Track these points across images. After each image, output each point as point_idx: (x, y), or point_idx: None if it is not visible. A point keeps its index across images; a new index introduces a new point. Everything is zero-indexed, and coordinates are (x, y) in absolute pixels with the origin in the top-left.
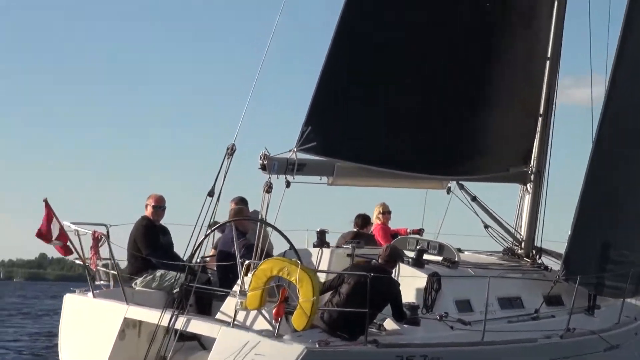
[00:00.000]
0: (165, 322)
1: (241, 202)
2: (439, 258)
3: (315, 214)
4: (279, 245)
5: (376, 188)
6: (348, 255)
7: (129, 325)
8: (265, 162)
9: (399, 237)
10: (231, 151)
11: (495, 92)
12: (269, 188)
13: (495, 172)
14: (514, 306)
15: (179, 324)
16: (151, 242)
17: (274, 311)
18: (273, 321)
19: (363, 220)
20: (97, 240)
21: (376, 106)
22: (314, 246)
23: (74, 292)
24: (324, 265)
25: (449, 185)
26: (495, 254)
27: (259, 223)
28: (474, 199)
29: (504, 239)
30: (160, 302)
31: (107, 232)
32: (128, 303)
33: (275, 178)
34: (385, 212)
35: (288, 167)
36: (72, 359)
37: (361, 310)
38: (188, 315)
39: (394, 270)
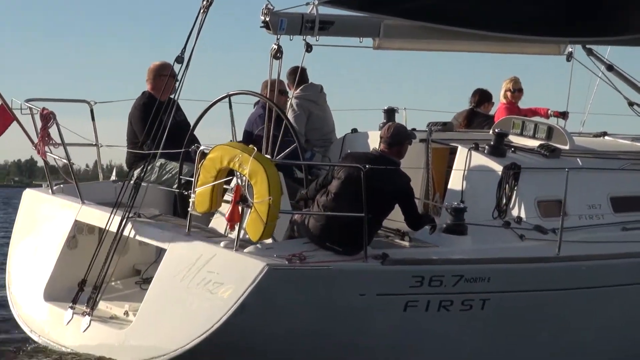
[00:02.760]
0: (114, 227)
1: (296, 74)
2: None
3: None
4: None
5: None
6: (421, 141)
7: (82, 230)
8: (267, 19)
9: (505, 117)
10: (207, 3)
11: None
12: (276, 52)
13: None
14: (637, 207)
15: (129, 229)
16: (151, 123)
17: (226, 215)
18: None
19: (480, 96)
20: (46, 120)
21: None
22: (379, 129)
23: (40, 186)
24: None
25: (568, 49)
26: None
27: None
28: (609, 68)
29: None
30: (158, 200)
31: (91, 110)
32: (83, 202)
33: (289, 39)
34: (516, 90)
35: (305, 25)
36: (16, 265)
37: (355, 214)
38: (143, 218)
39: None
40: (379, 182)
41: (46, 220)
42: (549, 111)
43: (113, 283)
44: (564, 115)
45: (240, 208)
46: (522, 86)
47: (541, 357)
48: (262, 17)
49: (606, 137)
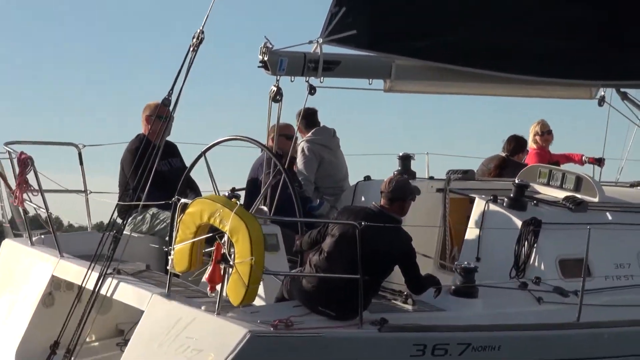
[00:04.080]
0: (91, 284)
1: (307, 117)
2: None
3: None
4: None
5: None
6: (438, 190)
7: (59, 286)
8: (265, 58)
9: (531, 165)
10: (198, 41)
11: None
12: (275, 95)
13: None
14: None
15: (107, 287)
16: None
17: (205, 277)
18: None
19: (516, 144)
20: (23, 165)
21: None
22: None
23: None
24: None
25: (601, 93)
26: None
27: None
28: None
29: None
30: (149, 253)
31: (79, 153)
32: (62, 255)
33: (290, 81)
34: (545, 133)
35: (308, 66)
36: None
37: (349, 276)
38: (123, 274)
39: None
40: (376, 241)
41: (23, 274)
42: (584, 157)
43: (93, 344)
44: (599, 162)
45: (221, 268)
46: (550, 128)
47: None
48: (260, 57)
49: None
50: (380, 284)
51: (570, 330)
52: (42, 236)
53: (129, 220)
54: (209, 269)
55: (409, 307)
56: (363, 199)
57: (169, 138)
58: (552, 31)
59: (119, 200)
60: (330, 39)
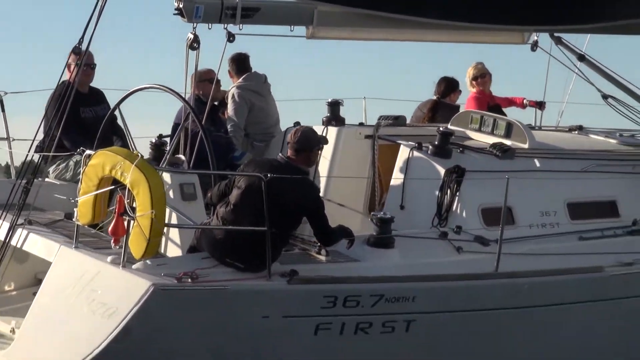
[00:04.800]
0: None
1: (237, 62)
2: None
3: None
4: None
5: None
6: (367, 137)
7: None
8: (181, 6)
9: (463, 111)
10: None
11: None
12: (192, 43)
13: (621, 17)
14: (599, 214)
15: (17, 237)
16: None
17: (109, 229)
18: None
19: (446, 86)
20: None
21: None
22: (323, 124)
23: None
24: (327, 152)
25: (534, 37)
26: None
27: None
28: (581, 58)
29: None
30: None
31: (0, 100)
32: None
33: (207, 28)
34: (480, 76)
35: (225, 13)
36: None
37: (256, 228)
38: (35, 225)
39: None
40: (283, 193)
41: None
42: (525, 100)
43: (10, 293)
44: (540, 105)
45: (125, 220)
46: (487, 71)
47: None
48: (176, 4)
49: (578, 132)
50: (288, 235)
51: (487, 281)
52: None
53: (53, 167)
54: (112, 222)
55: (322, 258)
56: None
57: (95, 85)
58: None
59: (36, 149)
60: None
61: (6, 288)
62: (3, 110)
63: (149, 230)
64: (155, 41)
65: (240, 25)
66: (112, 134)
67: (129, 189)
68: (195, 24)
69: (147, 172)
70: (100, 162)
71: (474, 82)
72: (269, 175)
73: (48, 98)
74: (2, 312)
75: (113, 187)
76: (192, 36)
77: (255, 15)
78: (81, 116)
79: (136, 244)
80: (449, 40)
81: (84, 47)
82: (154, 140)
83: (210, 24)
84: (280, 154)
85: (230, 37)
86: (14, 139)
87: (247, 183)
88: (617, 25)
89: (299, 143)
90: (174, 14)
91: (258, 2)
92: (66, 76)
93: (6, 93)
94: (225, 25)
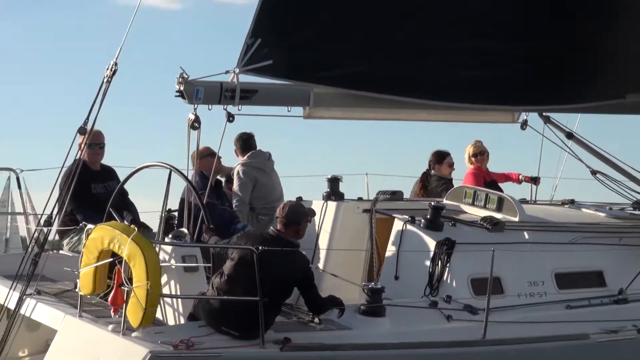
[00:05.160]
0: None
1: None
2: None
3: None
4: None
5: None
6: (365, 211)
7: None
8: (182, 88)
9: (457, 187)
10: (112, 73)
11: None
12: (193, 123)
13: (606, 99)
14: (585, 284)
15: (26, 307)
16: (78, 191)
17: (109, 300)
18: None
19: (434, 157)
20: None
21: None
22: (323, 198)
23: None
24: (327, 225)
25: (524, 117)
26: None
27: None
28: (569, 136)
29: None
30: None
31: (17, 178)
32: None
33: (207, 109)
34: (479, 153)
35: (225, 95)
36: None
37: (248, 298)
38: (43, 295)
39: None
40: (273, 264)
41: None
42: (520, 176)
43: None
44: (535, 180)
45: (123, 291)
46: (485, 149)
47: None
48: (177, 87)
49: (570, 206)
50: (280, 304)
51: (474, 348)
52: None
53: (67, 240)
54: (111, 292)
55: (316, 326)
56: None
57: (106, 162)
58: (471, 60)
59: (44, 223)
60: (247, 69)
61: (20, 354)
62: (19, 187)
63: (145, 300)
64: (160, 120)
65: (239, 106)
66: (123, 208)
67: (125, 261)
68: (196, 105)
69: (142, 245)
70: (100, 235)
71: (472, 159)
72: (260, 247)
73: (61, 175)
74: None
75: (111, 259)
76: (192, 117)
77: (253, 97)
78: (92, 192)
79: (133, 313)
80: (440, 120)
81: (88, 127)
82: (163, 215)
83: (210, 105)
84: (271, 228)
85: (230, 117)
86: (30, 214)
87: (240, 255)
88: (601, 106)
89: (287, 217)
90: (176, 96)
91: (256, 84)
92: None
93: (22, 170)
94: (225, 106)
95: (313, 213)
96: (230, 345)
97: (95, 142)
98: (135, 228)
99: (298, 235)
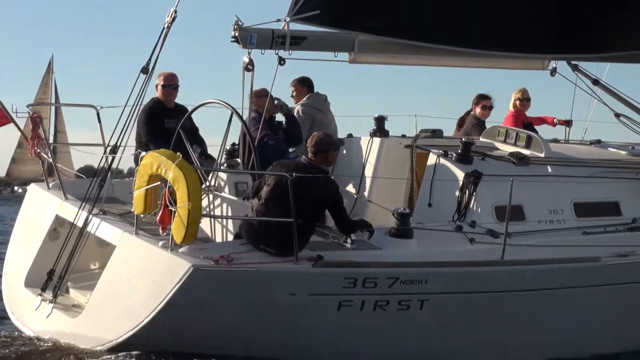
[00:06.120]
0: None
1: (307, 83)
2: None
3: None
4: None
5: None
6: (406, 146)
7: (63, 223)
8: (237, 34)
9: (492, 126)
10: (171, 19)
11: None
12: (247, 65)
13: (630, 49)
14: (602, 213)
15: (91, 225)
16: (152, 127)
17: (157, 218)
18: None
19: (475, 100)
20: (34, 123)
21: None
22: (370, 135)
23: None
24: (372, 158)
25: (552, 64)
26: None
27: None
28: (595, 82)
29: None
30: None
31: (97, 114)
32: (66, 198)
33: (260, 53)
34: (524, 99)
35: (276, 40)
36: (10, 253)
37: (283, 219)
38: (108, 215)
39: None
40: (305, 189)
41: (38, 212)
42: (555, 119)
43: (94, 271)
44: (568, 123)
45: (170, 211)
46: (529, 96)
47: (478, 357)
48: (233, 33)
49: (596, 145)
50: (313, 225)
51: (492, 267)
52: (59, 182)
53: None
54: (159, 212)
55: (347, 245)
56: (344, 152)
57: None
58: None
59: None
60: (297, 18)
61: (91, 266)
62: (99, 122)
63: (187, 219)
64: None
65: (290, 50)
66: (194, 142)
67: (170, 184)
68: (249, 50)
69: (185, 170)
70: (150, 162)
71: (517, 102)
72: (293, 174)
73: (139, 112)
74: (84, 287)
75: (158, 182)
76: (247, 60)
77: (302, 42)
78: (165, 126)
79: (177, 231)
80: (475, 66)
81: (150, 67)
82: (228, 147)
83: (263, 50)
84: (303, 157)
85: (281, 61)
86: (108, 145)
87: (275, 181)
88: (627, 55)
89: (315, 146)
90: (231, 41)
91: (305, 31)
92: (154, 94)
93: (102, 107)
94: (277, 50)
95: (342, 142)
96: (266, 261)
97: (169, 83)
98: (180, 155)
99: (327, 162)
